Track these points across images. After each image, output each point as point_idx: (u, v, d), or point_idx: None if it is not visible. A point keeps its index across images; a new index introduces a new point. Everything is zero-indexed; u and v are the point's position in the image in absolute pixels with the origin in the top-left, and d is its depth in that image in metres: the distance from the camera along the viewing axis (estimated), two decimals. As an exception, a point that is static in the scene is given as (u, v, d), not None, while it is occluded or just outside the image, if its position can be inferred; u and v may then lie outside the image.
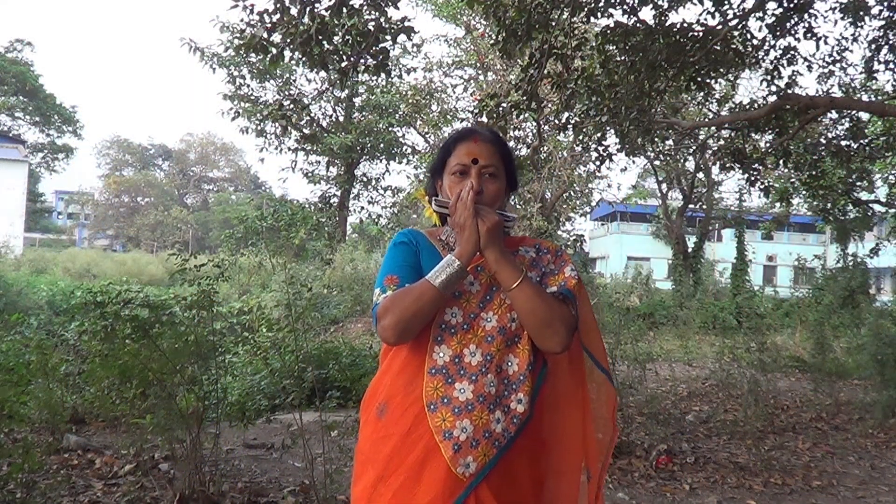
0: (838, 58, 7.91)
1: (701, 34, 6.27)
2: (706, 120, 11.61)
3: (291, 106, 19.74)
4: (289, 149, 21.77)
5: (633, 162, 18.85)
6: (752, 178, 9.29)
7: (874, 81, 9.01)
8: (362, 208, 23.58)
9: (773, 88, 7.49)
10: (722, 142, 10.44)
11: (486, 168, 1.63)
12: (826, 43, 7.24)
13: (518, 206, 15.32)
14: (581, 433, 1.68)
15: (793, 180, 12.60)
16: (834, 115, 9.54)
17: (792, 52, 7.07)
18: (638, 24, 6.28)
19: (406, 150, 22.64)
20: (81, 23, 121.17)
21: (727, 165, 9.35)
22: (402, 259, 1.64)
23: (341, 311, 15.30)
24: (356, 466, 1.65)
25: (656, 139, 9.64)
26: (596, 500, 1.68)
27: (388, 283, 1.58)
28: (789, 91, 7.25)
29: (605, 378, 1.72)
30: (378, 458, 1.56)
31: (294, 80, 21.86)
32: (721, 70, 6.74)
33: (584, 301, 1.67)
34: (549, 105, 10.54)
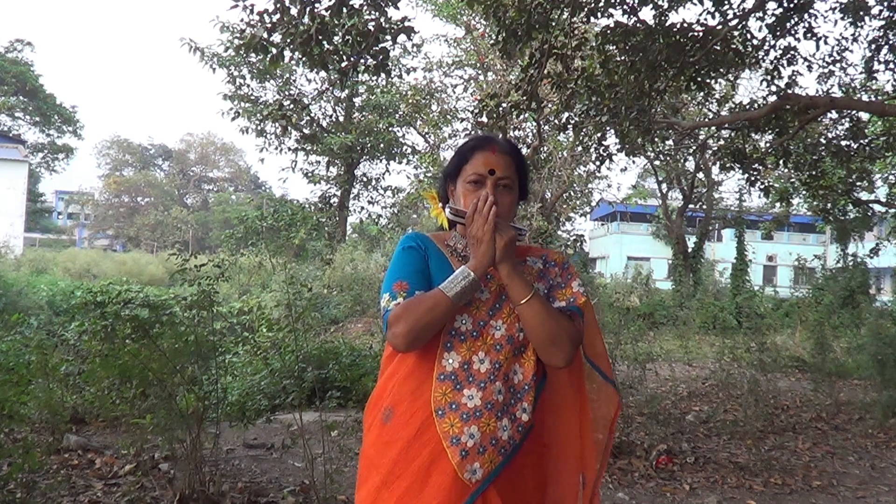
0: (838, 58, 7.91)
1: (701, 34, 6.27)
2: (706, 120, 11.62)
3: (291, 106, 19.74)
4: (289, 149, 21.81)
5: (633, 162, 18.91)
6: (752, 178, 9.29)
7: (874, 81, 9.00)
8: (362, 208, 23.62)
9: (773, 88, 7.49)
10: (722, 142, 10.43)
11: (502, 180, 1.63)
12: (826, 43, 7.23)
13: (518, 207, 15.30)
14: (579, 438, 1.69)
15: (793, 180, 12.61)
16: (834, 115, 9.54)
17: (792, 52, 7.06)
18: (638, 24, 6.28)
19: (406, 150, 22.67)
20: (81, 23, 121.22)
21: (727, 165, 9.35)
22: (411, 265, 1.64)
23: (341, 311, 15.30)
24: (360, 471, 1.65)
25: (656, 139, 9.64)
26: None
27: (398, 289, 1.58)
28: (789, 91, 7.24)
29: (607, 384, 1.73)
30: (383, 463, 1.56)
31: (294, 80, 21.87)
32: (721, 70, 6.75)
33: (589, 314, 1.68)
34: (549, 105, 10.54)
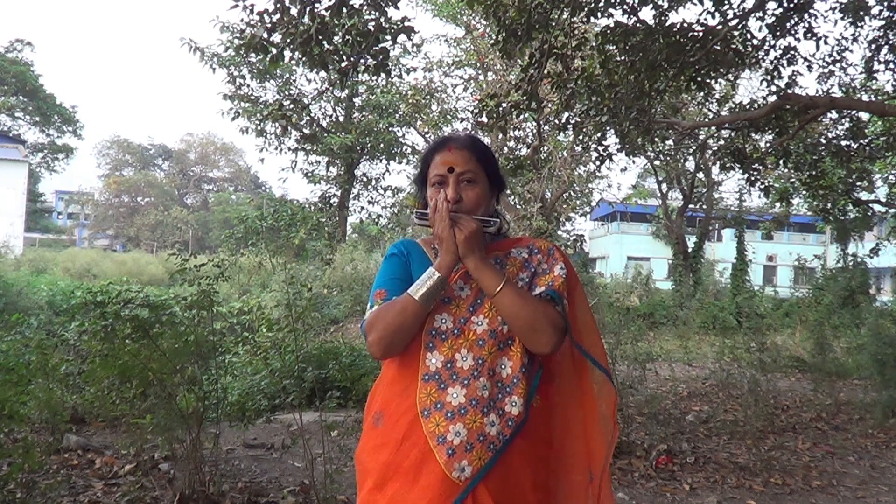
0: (838, 58, 7.91)
1: (701, 34, 6.27)
2: (706, 120, 11.62)
3: (291, 106, 19.74)
4: (289, 149, 21.79)
5: (633, 162, 18.91)
6: (752, 178, 9.29)
7: (874, 81, 9.01)
8: (362, 208, 23.62)
9: (773, 88, 7.49)
10: (722, 142, 10.44)
11: (463, 175, 1.63)
12: (826, 43, 7.24)
13: (518, 207, 15.31)
14: (584, 434, 1.67)
15: (793, 180, 12.61)
16: (834, 115, 9.54)
17: (792, 52, 7.06)
18: (638, 24, 6.28)
19: (406, 150, 22.66)
20: (81, 23, 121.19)
21: (727, 165, 9.35)
22: (391, 272, 1.66)
23: (341, 311, 15.30)
24: (357, 475, 1.66)
25: (656, 139, 9.65)
26: (599, 500, 1.66)
27: (377, 298, 1.61)
28: (789, 91, 7.24)
29: (605, 377, 1.71)
30: (375, 467, 1.56)
31: (294, 80, 21.87)
32: (721, 70, 6.74)
33: (580, 301, 1.67)
34: (549, 105, 10.54)
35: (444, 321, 1.59)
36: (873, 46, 7.48)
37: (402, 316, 1.52)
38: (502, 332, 1.57)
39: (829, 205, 12.90)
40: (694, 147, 13.28)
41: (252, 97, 20.81)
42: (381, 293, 1.61)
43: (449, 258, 1.55)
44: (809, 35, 6.91)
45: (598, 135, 7.97)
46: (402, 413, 1.56)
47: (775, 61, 7.18)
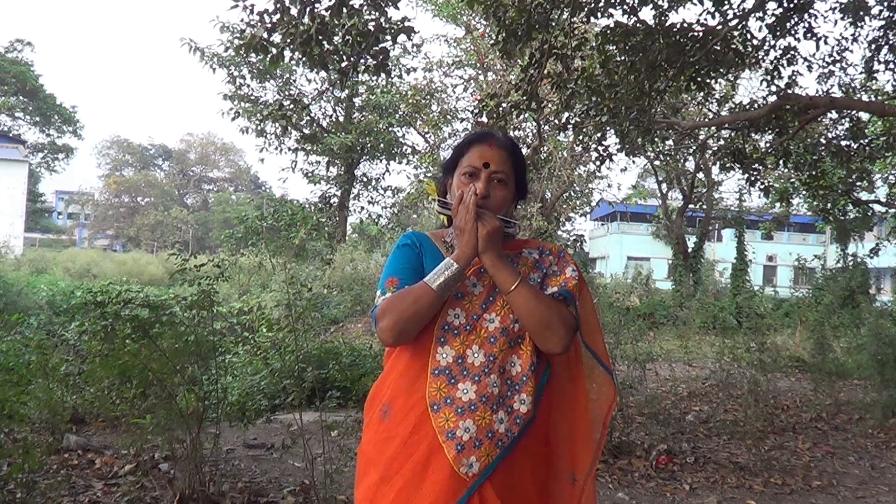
0: (838, 58, 7.91)
1: (701, 34, 6.27)
2: (706, 120, 11.62)
3: (291, 106, 19.71)
4: (289, 149, 21.80)
5: (633, 162, 18.91)
6: (752, 178, 9.30)
7: (874, 81, 9.00)
8: (362, 208, 23.62)
9: (773, 88, 7.49)
10: (722, 142, 10.45)
11: (497, 174, 1.63)
12: (826, 43, 7.24)
13: (519, 207, 15.32)
14: (571, 436, 1.67)
15: (793, 180, 12.61)
16: (834, 115, 9.54)
17: (792, 52, 7.07)
18: (638, 24, 6.28)
19: (406, 150, 22.66)
20: (81, 23, 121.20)
21: (727, 165, 9.36)
22: (404, 261, 1.66)
23: (341, 311, 15.31)
24: (359, 468, 1.65)
25: (656, 139, 9.65)
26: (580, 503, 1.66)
27: (389, 286, 1.60)
28: (789, 91, 7.25)
29: (606, 378, 1.71)
30: (381, 460, 1.56)
31: (294, 80, 21.87)
32: (721, 70, 6.75)
33: (586, 301, 1.67)
34: (549, 105, 10.54)
35: (457, 316, 1.59)
36: (873, 46, 7.48)
37: (417, 304, 1.52)
38: (513, 330, 1.58)
39: (829, 205, 12.91)
40: (694, 147, 13.29)
41: (252, 97, 20.82)
42: (394, 281, 1.61)
43: (469, 251, 1.55)
44: (809, 35, 6.92)
45: (598, 135, 7.97)
46: (411, 407, 1.56)
47: (775, 61, 7.19)
